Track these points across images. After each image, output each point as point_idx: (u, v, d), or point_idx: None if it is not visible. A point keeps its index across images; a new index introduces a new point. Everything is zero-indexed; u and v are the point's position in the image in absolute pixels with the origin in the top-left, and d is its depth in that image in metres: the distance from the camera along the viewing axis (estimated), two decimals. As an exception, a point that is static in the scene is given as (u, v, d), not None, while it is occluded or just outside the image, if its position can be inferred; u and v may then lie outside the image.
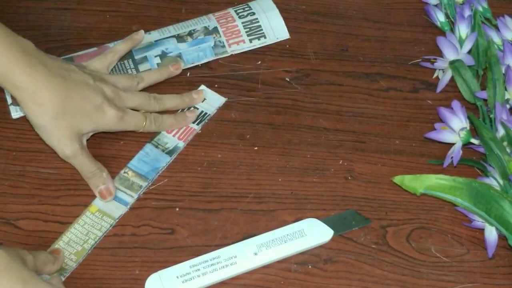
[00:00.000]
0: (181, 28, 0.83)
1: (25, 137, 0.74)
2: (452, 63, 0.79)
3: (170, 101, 0.76)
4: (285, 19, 0.85)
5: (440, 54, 0.81)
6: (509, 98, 0.76)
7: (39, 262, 0.62)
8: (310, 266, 0.68)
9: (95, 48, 0.80)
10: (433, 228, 0.71)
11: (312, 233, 0.68)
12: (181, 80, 0.80)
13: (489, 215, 0.68)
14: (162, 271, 0.65)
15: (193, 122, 0.76)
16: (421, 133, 0.77)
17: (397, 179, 0.71)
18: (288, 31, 0.85)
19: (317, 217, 0.69)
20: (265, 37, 0.84)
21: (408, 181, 0.71)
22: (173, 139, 0.75)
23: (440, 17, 0.85)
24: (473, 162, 0.75)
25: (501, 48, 0.81)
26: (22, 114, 0.74)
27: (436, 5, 0.86)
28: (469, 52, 0.80)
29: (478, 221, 0.70)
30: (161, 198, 0.71)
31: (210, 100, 0.78)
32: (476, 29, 0.82)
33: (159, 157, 0.73)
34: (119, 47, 0.78)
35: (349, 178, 0.74)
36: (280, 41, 0.84)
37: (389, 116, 0.79)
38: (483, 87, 0.79)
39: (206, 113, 0.77)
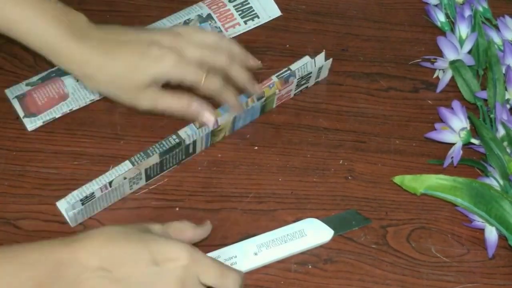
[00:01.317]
0: (175, 19, 0.83)
1: (25, 137, 0.74)
2: (452, 63, 0.79)
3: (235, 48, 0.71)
4: (285, 19, 0.86)
5: (440, 54, 0.81)
6: (509, 98, 0.76)
7: (172, 229, 0.61)
8: (310, 266, 0.68)
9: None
10: (433, 228, 0.71)
11: (312, 233, 0.68)
12: (181, 80, 0.80)
13: (489, 215, 0.68)
14: None
15: (295, 91, 0.77)
16: (421, 133, 0.77)
17: (397, 179, 0.71)
18: (288, 31, 0.85)
19: (317, 217, 0.69)
20: (258, 17, 0.85)
21: (408, 181, 0.71)
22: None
23: (440, 17, 0.85)
24: (473, 162, 0.75)
25: (501, 48, 0.81)
26: (37, 126, 0.74)
27: (436, 5, 0.86)
28: (469, 52, 0.80)
29: (478, 221, 0.70)
30: (161, 198, 0.71)
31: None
32: (477, 29, 0.82)
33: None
34: None
35: (349, 178, 0.74)
36: (280, 40, 0.84)
37: (389, 116, 0.79)
38: (483, 87, 0.79)
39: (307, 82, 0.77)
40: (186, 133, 0.70)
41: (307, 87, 0.79)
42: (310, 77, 0.77)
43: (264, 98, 0.73)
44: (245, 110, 0.73)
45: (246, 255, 0.66)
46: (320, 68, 0.77)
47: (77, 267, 0.54)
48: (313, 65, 0.76)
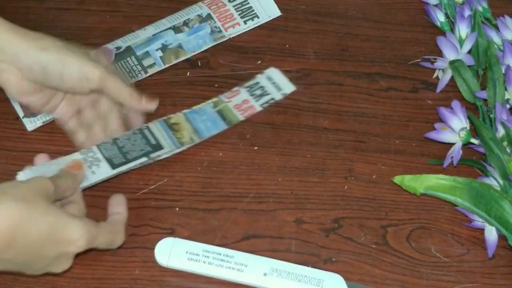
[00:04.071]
0: (175, 19, 0.83)
1: (25, 137, 0.74)
2: (452, 63, 0.79)
3: None
4: (285, 19, 0.86)
5: (440, 54, 0.81)
6: (509, 98, 0.76)
7: (61, 191, 0.62)
8: (310, 266, 0.68)
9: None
10: (433, 228, 0.71)
11: None
12: (181, 80, 0.80)
13: (489, 215, 0.68)
14: (177, 239, 0.66)
15: (256, 102, 0.78)
16: (421, 133, 0.77)
17: (397, 179, 0.71)
18: (288, 31, 0.85)
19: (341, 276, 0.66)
20: (258, 17, 0.85)
21: (408, 181, 0.71)
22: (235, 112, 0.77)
23: (440, 17, 0.85)
24: (473, 162, 0.75)
25: (501, 48, 0.81)
26: (37, 126, 0.75)
27: (436, 5, 0.86)
28: (469, 52, 0.80)
29: (478, 221, 0.70)
30: (161, 198, 0.71)
31: (279, 84, 0.79)
32: (476, 29, 0.82)
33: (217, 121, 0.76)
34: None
35: (349, 178, 0.74)
36: (280, 40, 0.84)
37: (389, 116, 0.79)
38: (483, 87, 0.79)
39: (272, 98, 0.78)
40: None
41: (273, 99, 0.78)
42: (266, 91, 0.78)
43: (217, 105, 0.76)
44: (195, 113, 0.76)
45: (256, 270, 0.65)
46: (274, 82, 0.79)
47: None
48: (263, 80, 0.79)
